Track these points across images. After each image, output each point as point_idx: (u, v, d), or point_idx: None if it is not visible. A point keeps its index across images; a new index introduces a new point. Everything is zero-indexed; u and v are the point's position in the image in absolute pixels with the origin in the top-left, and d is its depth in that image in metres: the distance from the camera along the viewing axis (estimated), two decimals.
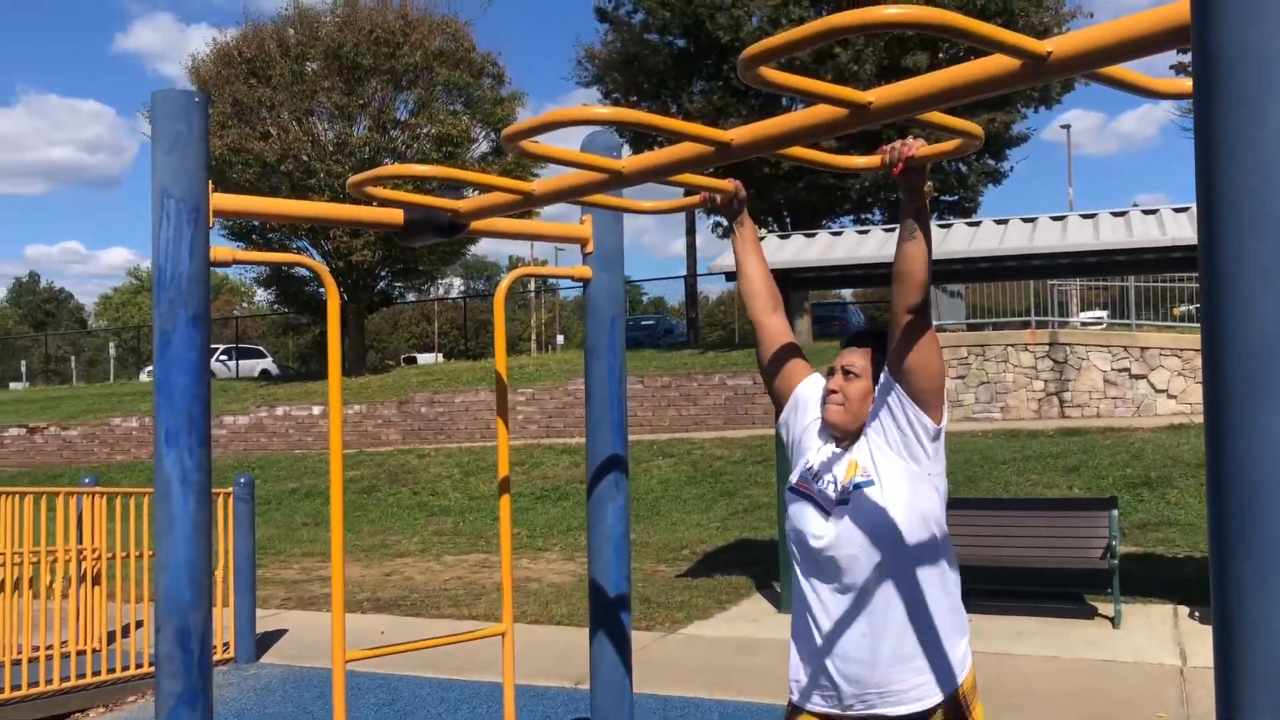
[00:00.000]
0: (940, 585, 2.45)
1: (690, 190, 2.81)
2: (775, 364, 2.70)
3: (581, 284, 3.16)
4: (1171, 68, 21.71)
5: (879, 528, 2.38)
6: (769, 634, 7.46)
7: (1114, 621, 7.34)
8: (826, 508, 2.47)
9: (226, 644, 7.35)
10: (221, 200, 2.57)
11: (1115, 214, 8.29)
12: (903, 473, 2.39)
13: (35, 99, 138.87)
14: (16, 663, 6.20)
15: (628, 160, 2.32)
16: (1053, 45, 1.65)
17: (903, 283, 2.31)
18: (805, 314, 22.75)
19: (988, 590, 8.52)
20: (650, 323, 34.55)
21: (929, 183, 2.33)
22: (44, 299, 77.91)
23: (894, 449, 2.40)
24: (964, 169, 24.27)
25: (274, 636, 8.08)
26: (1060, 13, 23.34)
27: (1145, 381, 15.26)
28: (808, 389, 2.67)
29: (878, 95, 1.83)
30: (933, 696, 2.42)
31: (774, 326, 2.72)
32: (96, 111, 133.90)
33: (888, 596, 2.40)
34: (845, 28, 1.49)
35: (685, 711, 5.72)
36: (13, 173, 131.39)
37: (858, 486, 2.43)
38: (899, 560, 2.39)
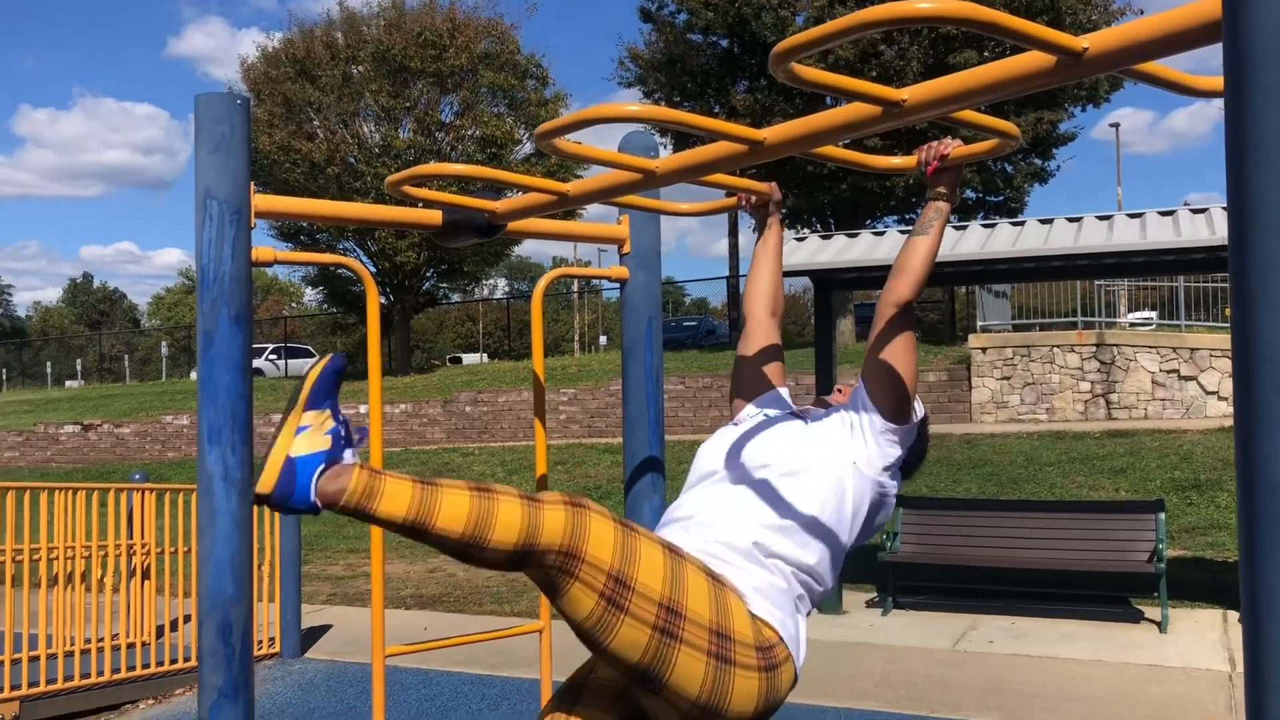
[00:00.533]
0: (813, 553, 2.17)
1: (731, 192, 2.81)
2: (757, 362, 2.65)
3: (619, 284, 3.17)
4: None
5: (780, 448, 2.25)
6: (810, 634, 7.41)
7: (1161, 626, 7.23)
8: (738, 423, 2.47)
9: (272, 639, 7.45)
10: (263, 201, 2.61)
11: (1163, 213, 8.16)
12: (831, 445, 2.26)
13: (91, 102, 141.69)
14: (70, 654, 6.33)
15: (661, 160, 2.32)
16: (1089, 41, 1.64)
17: (899, 275, 2.26)
18: (848, 315, 22.65)
19: (1032, 593, 8.44)
20: (693, 324, 34.52)
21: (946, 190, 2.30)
22: (98, 299, 79.40)
23: (839, 429, 2.30)
24: (1009, 168, 24.00)
25: (319, 632, 8.18)
26: (1109, 10, 22.99)
27: (1195, 383, 15.01)
28: (785, 395, 2.65)
29: (911, 93, 1.82)
30: (735, 582, 2.07)
31: (767, 326, 2.70)
32: (150, 114, 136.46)
33: (743, 505, 2.18)
34: (876, 22, 1.48)
35: None
36: (71, 175, 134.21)
37: (793, 414, 2.43)
38: (779, 489, 2.19)
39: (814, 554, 2.16)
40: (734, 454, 2.31)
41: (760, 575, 2.09)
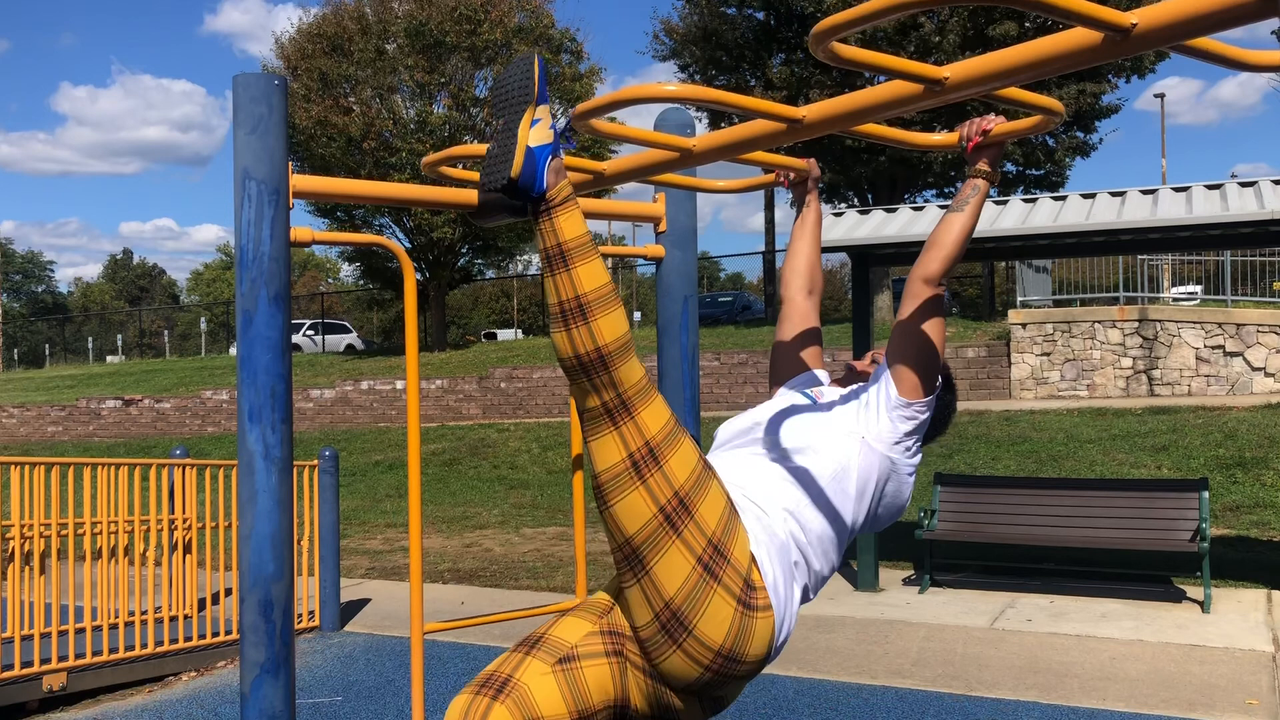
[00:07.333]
0: (814, 522, 2.19)
1: (767, 168, 2.79)
2: (793, 346, 2.65)
3: (654, 262, 3.16)
4: (1274, 33, 20.81)
5: (787, 427, 2.27)
6: (846, 612, 7.42)
7: (1203, 606, 7.15)
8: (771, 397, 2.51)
9: (312, 612, 7.55)
10: (301, 181, 2.62)
11: (1209, 186, 8.01)
12: (840, 420, 2.28)
13: (130, 79, 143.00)
14: (114, 626, 6.44)
15: (698, 138, 2.30)
16: (1138, 16, 1.60)
17: (930, 251, 2.24)
18: (886, 290, 22.48)
19: (1072, 572, 8.38)
20: (728, 299, 34.33)
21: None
22: (138, 274, 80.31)
23: (852, 404, 2.32)
24: (1051, 142, 23.66)
25: (357, 605, 8.27)
26: None
27: (1241, 359, 14.77)
28: (821, 376, 2.64)
29: (953, 70, 1.78)
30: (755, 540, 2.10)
31: (804, 308, 2.69)
32: (188, 91, 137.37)
33: (749, 473, 2.23)
34: (916, 1, 1.45)
35: (760, 687, 5.72)
36: (110, 152, 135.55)
37: (807, 394, 2.44)
38: (783, 465, 2.23)
39: (814, 527, 2.18)
40: (744, 431, 2.34)
41: (767, 525, 2.12)
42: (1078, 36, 1.65)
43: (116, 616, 6.58)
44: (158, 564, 7.80)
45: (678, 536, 1.93)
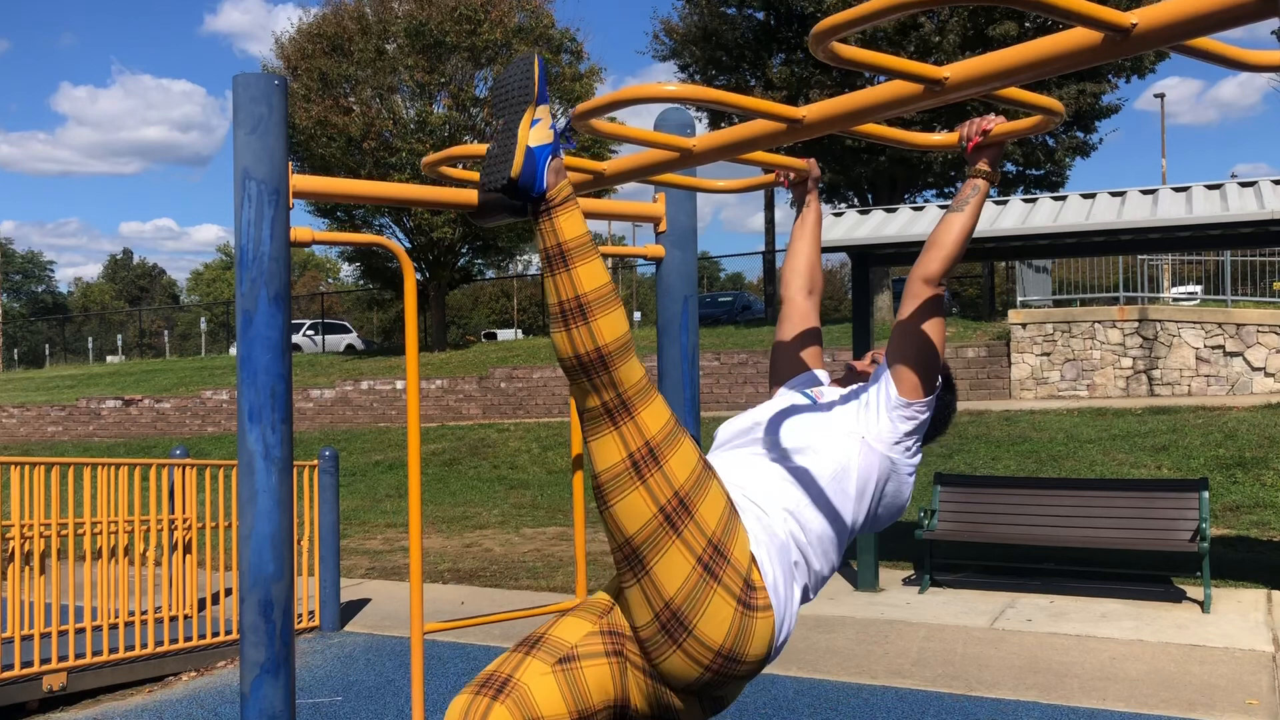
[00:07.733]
0: (814, 522, 2.18)
1: (767, 168, 2.78)
2: (793, 346, 2.65)
3: (654, 262, 3.16)
4: (1274, 33, 20.80)
5: (788, 427, 2.27)
6: (846, 612, 7.42)
7: (1203, 606, 7.15)
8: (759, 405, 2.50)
9: (312, 612, 7.55)
10: (301, 181, 2.62)
11: (1209, 186, 8.01)
12: (840, 420, 2.27)
13: (130, 79, 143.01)
14: (114, 626, 6.44)
15: (698, 138, 2.30)
16: (1138, 16, 1.60)
17: (930, 251, 2.24)
18: (886, 290, 22.48)
19: (1072, 572, 8.38)
20: (728, 299, 34.31)
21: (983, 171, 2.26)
22: (138, 274, 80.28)
23: (852, 404, 2.32)
24: (1051, 142, 23.67)
25: (358, 605, 8.27)
26: None
27: (1241, 359, 14.77)
28: (821, 376, 2.64)
29: (953, 70, 1.78)
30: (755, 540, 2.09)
31: (804, 308, 2.69)
32: (188, 91, 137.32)
33: (750, 473, 2.23)
34: (916, 1, 1.45)
35: (760, 687, 5.72)
36: (110, 152, 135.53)
37: (807, 394, 2.43)
38: (783, 465, 2.23)
39: (814, 527, 2.18)
40: (744, 431, 2.34)
41: (767, 525, 2.12)
42: (1078, 36, 1.65)
43: (116, 616, 6.57)
44: (158, 564, 7.80)
45: (678, 536, 1.93)
